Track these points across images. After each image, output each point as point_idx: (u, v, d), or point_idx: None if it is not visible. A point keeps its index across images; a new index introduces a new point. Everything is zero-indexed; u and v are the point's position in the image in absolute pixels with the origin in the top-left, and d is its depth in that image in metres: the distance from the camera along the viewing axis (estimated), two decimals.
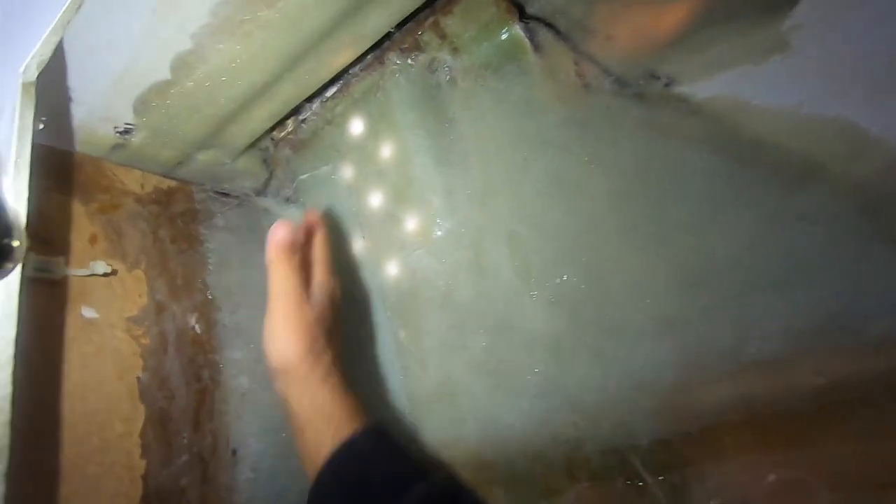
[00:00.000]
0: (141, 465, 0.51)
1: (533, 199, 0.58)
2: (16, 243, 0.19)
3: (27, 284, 0.49)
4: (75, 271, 0.51)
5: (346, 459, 0.46)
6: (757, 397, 0.44)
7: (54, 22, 0.28)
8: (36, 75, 0.31)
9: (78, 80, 0.49)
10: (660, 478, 0.48)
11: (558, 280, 0.55)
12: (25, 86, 0.31)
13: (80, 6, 0.29)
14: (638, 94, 0.53)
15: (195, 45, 0.49)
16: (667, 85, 0.51)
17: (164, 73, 0.51)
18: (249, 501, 0.58)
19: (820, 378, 0.40)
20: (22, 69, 0.30)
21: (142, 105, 0.55)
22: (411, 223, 0.66)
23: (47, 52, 0.29)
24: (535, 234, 0.58)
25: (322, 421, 0.49)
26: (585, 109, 0.55)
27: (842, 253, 0.41)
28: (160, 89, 0.53)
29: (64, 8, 0.28)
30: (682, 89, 0.50)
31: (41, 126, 0.33)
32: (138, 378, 0.54)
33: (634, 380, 0.49)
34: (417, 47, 0.64)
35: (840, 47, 0.42)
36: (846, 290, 0.41)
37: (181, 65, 0.51)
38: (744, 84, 0.47)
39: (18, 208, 0.17)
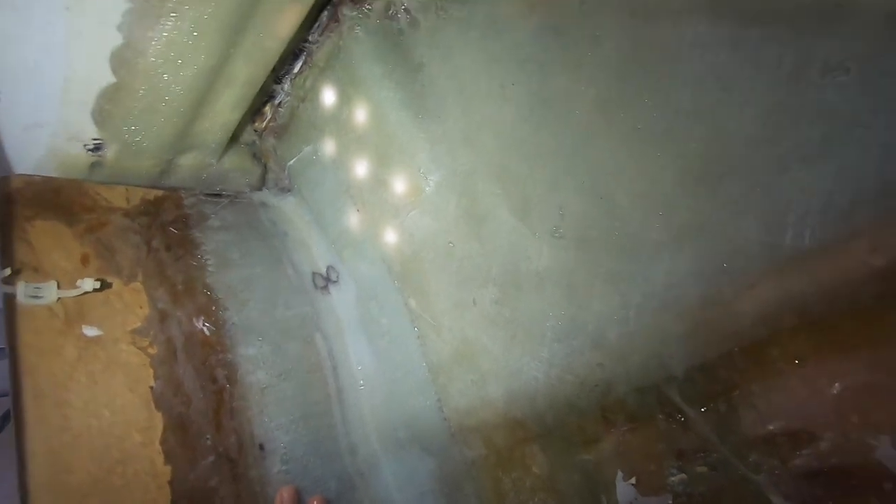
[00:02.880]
0: (166, 471, 0.51)
1: (518, 127, 0.52)
2: None
3: (22, 311, 0.49)
4: (66, 292, 0.51)
5: None
6: (805, 296, 0.36)
7: None
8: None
9: (27, 102, 0.49)
10: (703, 409, 0.42)
11: (559, 210, 0.49)
12: None
13: None
14: None
15: (126, 38, 0.47)
16: None
17: (107, 76, 0.50)
18: None
19: (878, 258, 0.33)
20: None
21: (100, 115, 0.54)
22: (400, 184, 0.62)
23: None
24: (526, 164, 0.52)
25: None
26: (557, 13, 0.49)
27: (888, 98, 0.33)
28: (110, 95, 0.52)
29: None
30: None
31: None
32: (151, 387, 0.53)
33: (657, 302, 0.43)
34: None
35: None
36: None
37: (120, 62, 0.49)
38: None
39: None
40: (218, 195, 0.72)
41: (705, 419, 0.41)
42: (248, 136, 0.77)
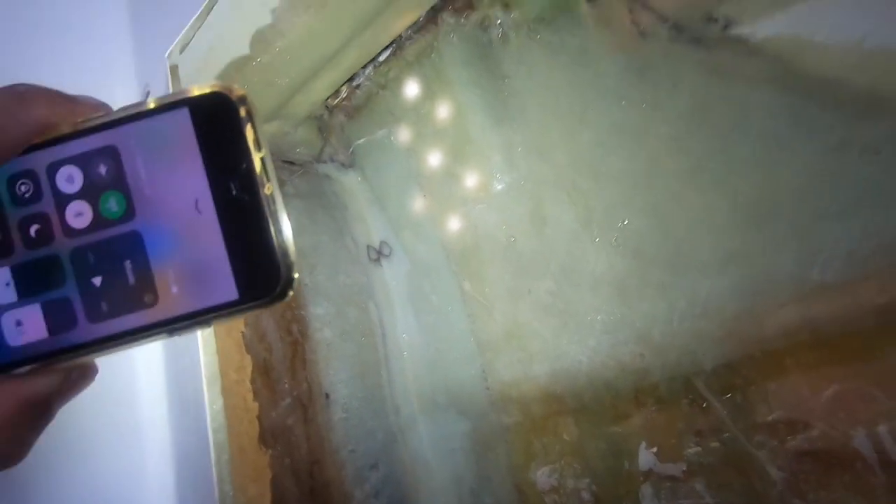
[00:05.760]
0: (255, 407, 0.57)
1: (592, 149, 0.61)
2: (296, 275, 0.22)
3: None
4: None
5: None
6: (820, 319, 0.47)
7: (199, 10, 0.31)
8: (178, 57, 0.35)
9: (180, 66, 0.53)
10: (723, 398, 0.53)
11: (620, 224, 0.59)
12: (172, 68, 0.35)
13: None
14: (696, 39, 0.54)
15: (274, 20, 0.52)
16: (725, 27, 0.53)
17: (244, 49, 0.55)
18: (344, 438, 0.65)
19: (883, 297, 0.44)
20: (167, 54, 0.34)
21: (225, 81, 0.58)
22: (471, 180, 0.69)
23: (189, 37, 0.33)
24: (595, 182, 0.61)
25: None
26: (643, 57, 0.57)
27: None
28: (238, 65, 0.56)
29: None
30: (740, 31, 0.52)
31: None
32: (242, 333, 0.59)
33: (699, 310, 0.53)
34: (470, 6, 0.66)
35: None
36: None
37: (260, 39, 0.54)
38: (804, 22, 0.49)
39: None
40: (291, 163, 0.77)
41: (723, 406, 0.52)
42: (317, 109, 0.82)
